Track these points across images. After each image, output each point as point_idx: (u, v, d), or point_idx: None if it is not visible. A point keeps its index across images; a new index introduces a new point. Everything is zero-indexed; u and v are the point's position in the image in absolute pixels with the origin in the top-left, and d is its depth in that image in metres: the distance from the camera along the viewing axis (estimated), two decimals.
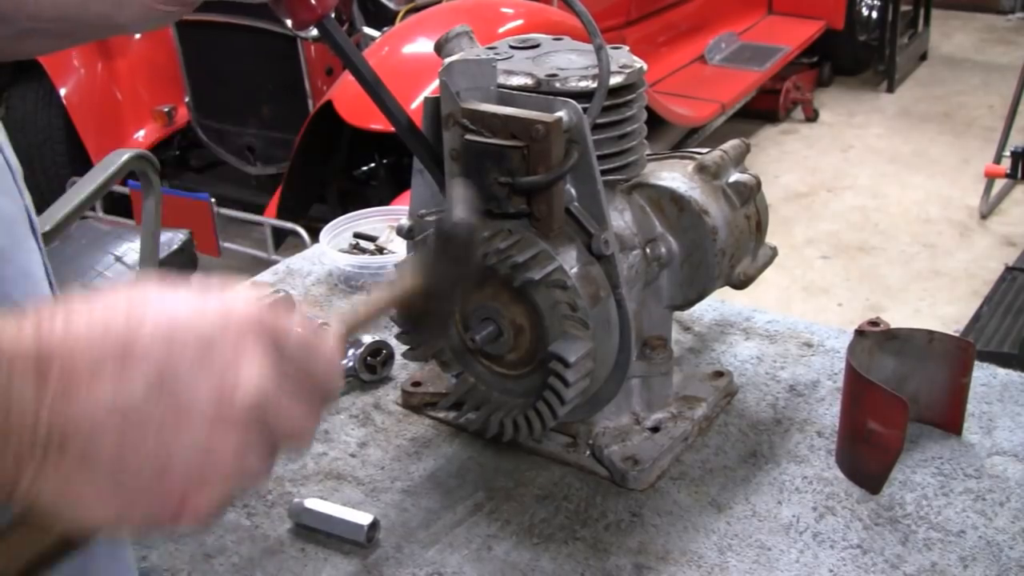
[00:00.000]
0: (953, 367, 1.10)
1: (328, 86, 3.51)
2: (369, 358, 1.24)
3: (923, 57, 6.62)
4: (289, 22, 0.92)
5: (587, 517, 1.03)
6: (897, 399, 1.00)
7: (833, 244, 4.36)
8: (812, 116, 5.71)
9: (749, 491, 1.05)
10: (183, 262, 2.57)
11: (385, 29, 3.62)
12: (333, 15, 0.92)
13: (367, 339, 1.25)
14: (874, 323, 1.11)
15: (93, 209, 3.27)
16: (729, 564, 0.96)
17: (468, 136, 0.95)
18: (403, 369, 1.27)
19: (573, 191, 0.98)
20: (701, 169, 1.09)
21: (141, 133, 3.92)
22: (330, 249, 1.51)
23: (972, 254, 4.24)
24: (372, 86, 0.96)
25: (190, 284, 0.58)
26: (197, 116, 3.94)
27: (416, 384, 1.20)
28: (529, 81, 1.01)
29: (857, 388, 1.04)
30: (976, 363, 1.12)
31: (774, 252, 1.19)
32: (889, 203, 4.71)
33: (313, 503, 1.02)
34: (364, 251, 1.55)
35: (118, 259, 2.49)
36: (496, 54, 1.06)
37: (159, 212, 2.27)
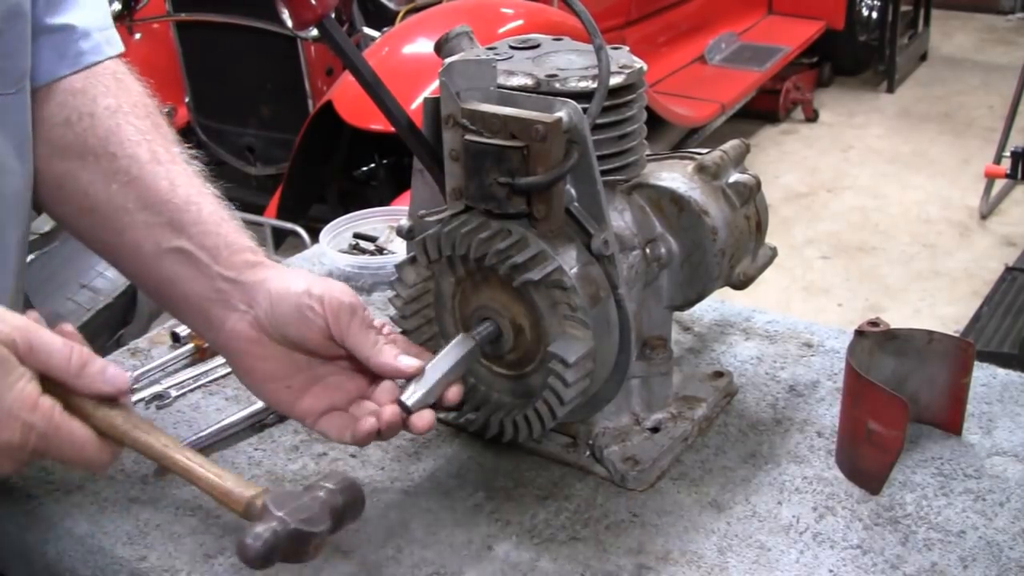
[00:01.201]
0: (953, 367, 1.10)
1: (328, 86, 3.51)
2: None
3: (923, 57, 6.63)
4: (289, 22, 0.92)
5: (587, 517, 1.03)
6: (897, 399, 1.00)
7: (833, 244, 4.36)
8: (812, 116, 5.72)
9: (749, 491, 1.05)
10: None
11: (385, 29, 3.62)
12: (333, 15, 0.92)
13: None
14: (874, 323, 1.11)
15: None
16: (729, 564, 0.96)
17: (468, 136, 0.95)
18: None
19: (573, 191, 0.98)
20: (701, 169, 1.09)
21: None
22: (330, 249, 1.51)
23: (972, 254, 4.25)
24: (372, 86, 0.96)
25: None
26: (197, 116, 3.94)
27: None
28: (529, 81, 1.01)
29: (857, 388, 1.04)
30: (976, 363, 1.12)
31: (774, 252, 1.19)
32: (889, 203, 4.72)
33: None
34: (364, 251, 1.55)
35: (84, 286, 2.51)
36: (496, 54, 1.06)
37: None
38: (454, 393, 0.97)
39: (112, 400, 0.87)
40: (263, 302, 0.96)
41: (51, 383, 0.84)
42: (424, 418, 0.93)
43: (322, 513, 0.83)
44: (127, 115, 1.07)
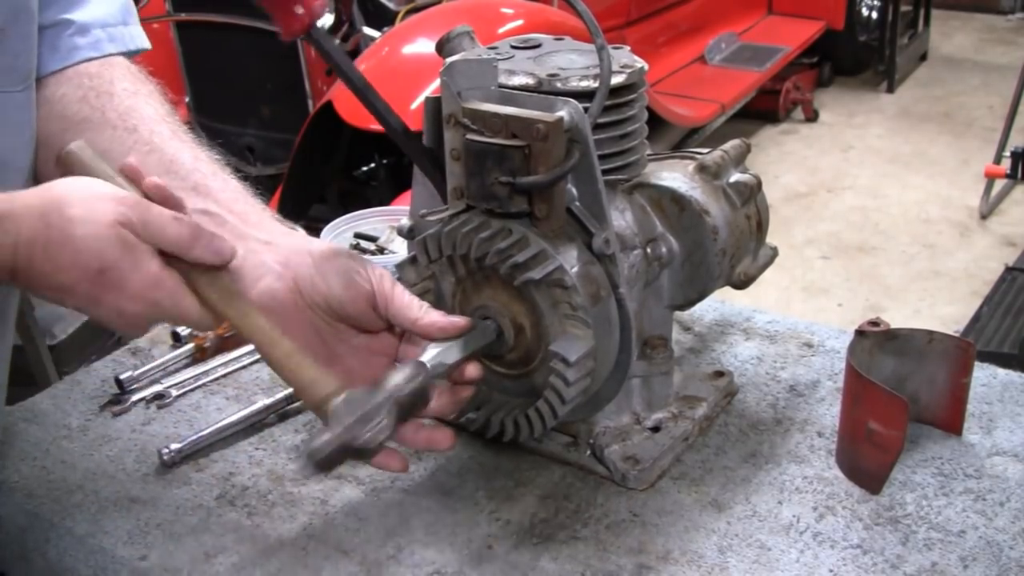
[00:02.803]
0: (953, 367, 1.10)
1: (328, 86, 3.51)
2: None
3: (923, 57, 6.62)
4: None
5: (588, 517, 1.03)
6: (897, 399, 1.00)
7: (833, 244, 4.36)
8: (812, 116, 5.71)
9: (749, 491, 1.05)
10: None
11: (385, 29, 3.62)
12: (320, 24, 0.92)
13: None
14: (874, 323, 1.11)
15: None
16: (729, 564, 0.96)
17: (469, 136, 0.95)
18: None
19: (574, 191, 0.98)
20: (702, 169, 1.09)
21: None
22: None
23: (972, 254, 4.25)
24: (363, 92, 0.96)
25: None
26: (197, 116, 3.93)
27: None
28: (530, 81, 1.01)
29: (857, 388, 1.04)
30: (976, 363, 1.12)
31: (774, 252, 1.19)
32: (889, 203, 4.72)
33: None
34: (365, 251, 1.54)
35: None
36: (497, 54, 1.06)
37: None
38: (473, 369, 0.98)
39: (219, 268, 0.90)
40: (305, 263, 0.96)
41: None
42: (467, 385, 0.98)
43: (385, 425, 0.87)
44: (146, 98, 1.08)
